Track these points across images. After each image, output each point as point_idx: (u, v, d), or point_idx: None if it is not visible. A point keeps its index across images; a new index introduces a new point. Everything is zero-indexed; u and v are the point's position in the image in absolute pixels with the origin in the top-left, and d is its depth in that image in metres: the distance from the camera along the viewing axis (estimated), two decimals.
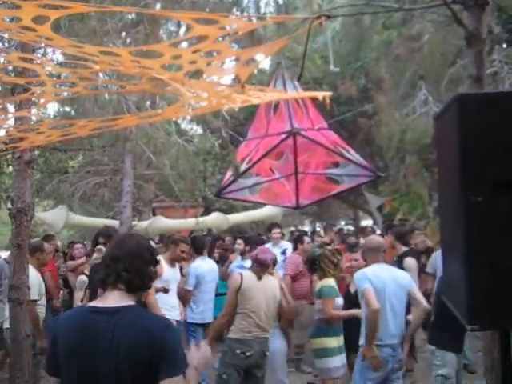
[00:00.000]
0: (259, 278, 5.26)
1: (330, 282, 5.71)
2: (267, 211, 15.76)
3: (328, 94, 4.98)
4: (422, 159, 10.09)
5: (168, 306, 6.63)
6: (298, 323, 7.79)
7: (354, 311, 5.58)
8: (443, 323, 5.23)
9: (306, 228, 31.71)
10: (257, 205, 16.69)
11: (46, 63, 3.30)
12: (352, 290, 5.93)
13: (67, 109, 14.47)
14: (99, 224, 14.42)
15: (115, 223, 12.56)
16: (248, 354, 5.14)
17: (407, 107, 8.28)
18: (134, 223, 11.57)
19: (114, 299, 2.44)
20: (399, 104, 8.24)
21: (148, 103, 9.34)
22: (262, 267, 5.31)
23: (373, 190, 17.07)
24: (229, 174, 11.69)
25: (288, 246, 9.59)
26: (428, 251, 8.39)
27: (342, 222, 31.83)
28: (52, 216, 13.63)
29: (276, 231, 9.70)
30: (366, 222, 30.98)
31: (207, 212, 17.29)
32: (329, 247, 6.08)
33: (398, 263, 7.06)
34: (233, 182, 11.25)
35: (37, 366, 5.81)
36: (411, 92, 8.30)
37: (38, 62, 3.56)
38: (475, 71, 4.62)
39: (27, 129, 3.96)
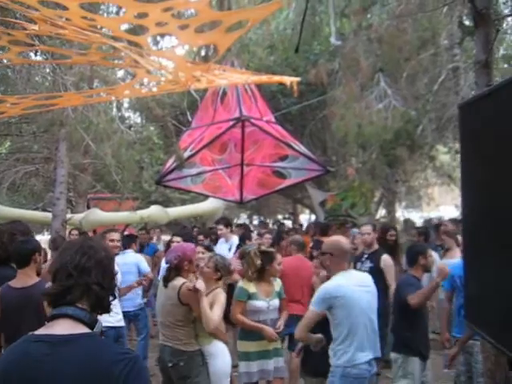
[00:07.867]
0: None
1: (242, 283, 5.31)
2: (208, 205, 15.23)
3: (296, 79, 4.57)
4: (384, 155, 9.81)
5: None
6: None
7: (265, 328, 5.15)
8: (408, 326, 4.91)
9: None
10: (196, 198, 16.15)
11: None
12: None
13: None
14: (29, 216, 13.45)
15: (47, 215, 11.70)
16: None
17: (365, 100, 7.94)
18: (68, 216, 10.73)
19: (65, 324, 1.88)
20: (356, 97, 7.88)
21: (85, 85, 8.52)
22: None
23: (315, 184, 16.85)
24: (170, 162, 11.06)
25: (235, 241, 9.15)
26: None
27: (280, 216, 31.58)
28: None
29: (219, 227, 9.37)
30: (305, 217, 31.06)
31: (144, 204, 16.52)
32: (262, 247, 5.62)
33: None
34: (174, 169, 10.65)
35: None
36: (369, 85, 7.98)
37: None
38: (483, 56, 4.26)
39: None
